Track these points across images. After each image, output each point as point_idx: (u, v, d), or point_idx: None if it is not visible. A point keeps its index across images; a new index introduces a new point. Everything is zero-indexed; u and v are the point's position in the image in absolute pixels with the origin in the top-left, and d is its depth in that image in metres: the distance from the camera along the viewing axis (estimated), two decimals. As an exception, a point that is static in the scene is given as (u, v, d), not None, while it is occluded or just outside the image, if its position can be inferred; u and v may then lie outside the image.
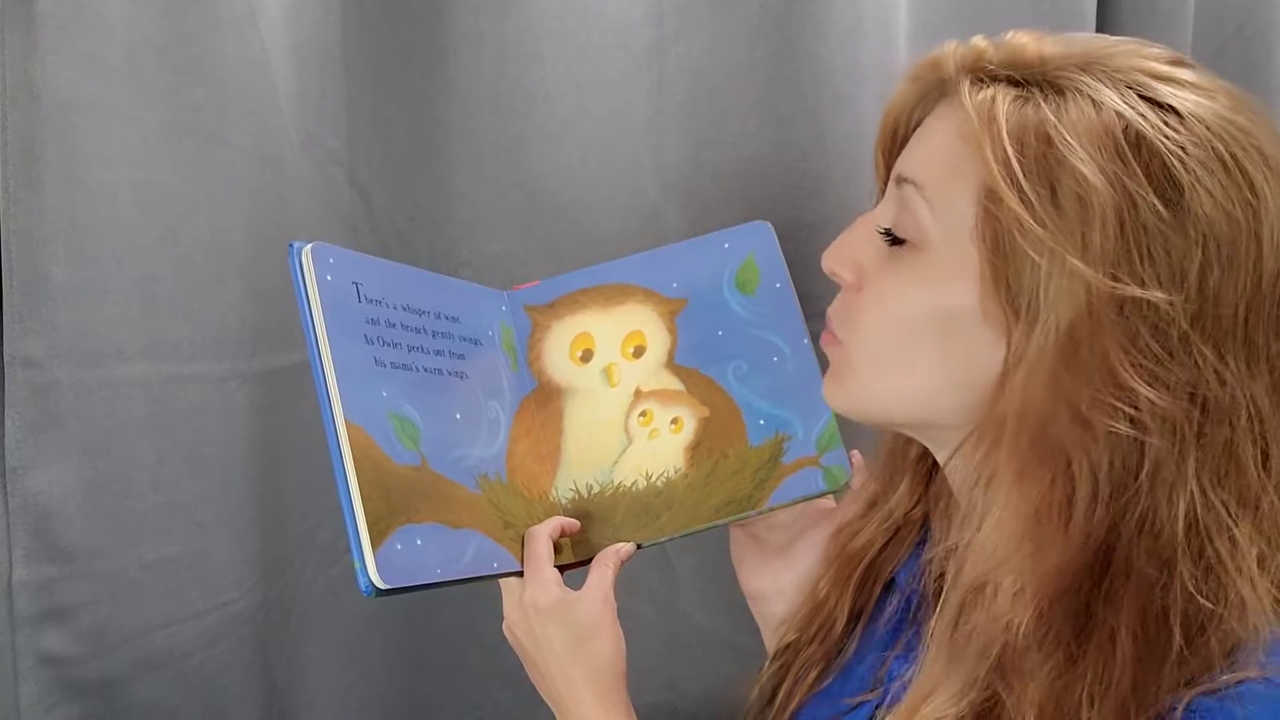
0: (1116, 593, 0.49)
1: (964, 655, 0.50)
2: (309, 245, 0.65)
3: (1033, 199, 0.48)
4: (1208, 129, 0.49)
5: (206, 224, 0.77)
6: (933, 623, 0.53)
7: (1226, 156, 0.49)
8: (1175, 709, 0.47)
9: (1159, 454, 0.48)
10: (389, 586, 0.60)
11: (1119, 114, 0.49)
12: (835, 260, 0.59)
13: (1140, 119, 0.49)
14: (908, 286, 0.54)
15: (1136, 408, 0.48)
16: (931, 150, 0.55)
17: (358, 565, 0.60)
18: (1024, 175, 0.48)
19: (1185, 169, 0.48)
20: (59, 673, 0.73)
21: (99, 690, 0.75)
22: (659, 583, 0.94)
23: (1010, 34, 0.55)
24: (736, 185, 0.92)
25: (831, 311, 0.61)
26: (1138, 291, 0.47)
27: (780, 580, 0.73)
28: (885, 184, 0.60)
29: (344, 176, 0.85)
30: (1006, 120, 0.50)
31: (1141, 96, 0.50)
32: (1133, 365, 0.48)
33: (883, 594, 0.67)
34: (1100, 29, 1.03)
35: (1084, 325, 0.48)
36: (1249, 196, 0.49)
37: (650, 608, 0.94)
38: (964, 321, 0.52)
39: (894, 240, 0.55)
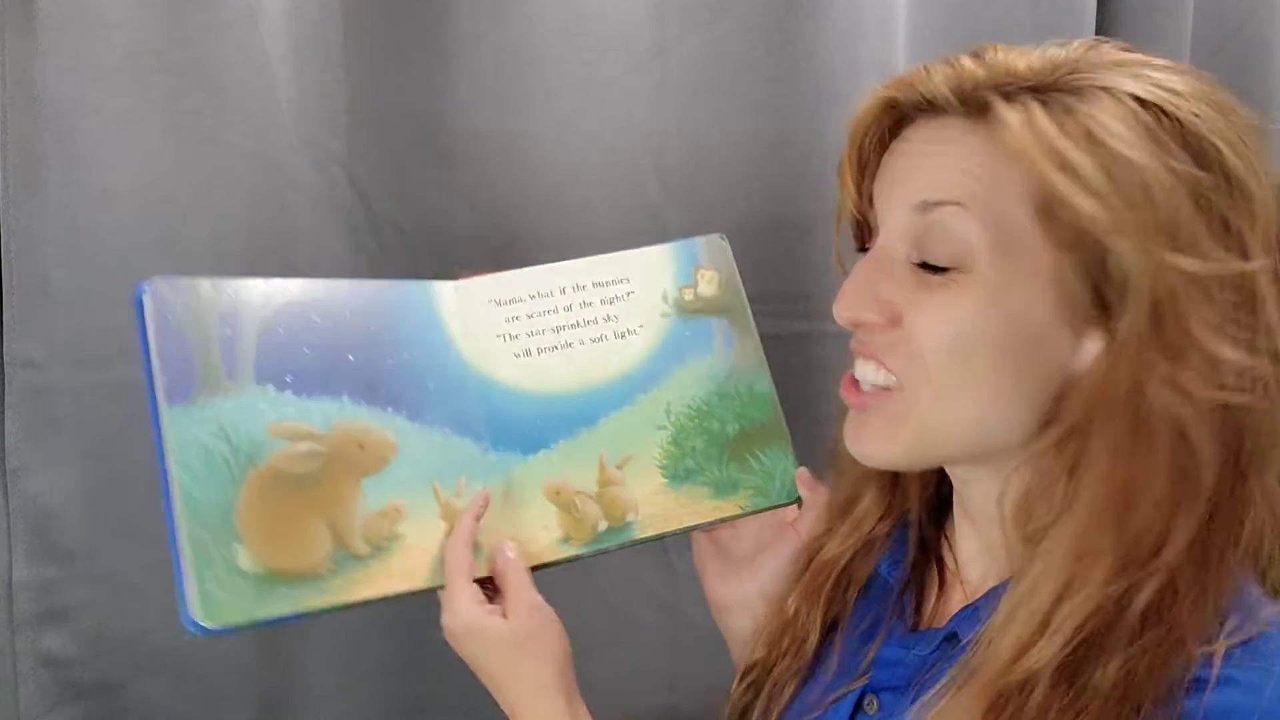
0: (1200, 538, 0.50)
1: (1061, 627, 0.50)
2: (152, 286, 0.61)
3: (1102, 196, 0.49)
4: (1200, 99, 0.51)
5: (207, 226, 0.77)
6: (1013, 593, 0.52)
7: (1224, 120, 0.51)
8: (1209, 665, 0.48)
9: (1257, 415, 0.50)
10: (217, 627, 0.59)
11: (1140, 99, 0.50)
12: (852, 308, 0.56)
13: (1161, 101, 0.51)
14: (966, 309, 0.52)
15: (1228, 374, 0.49)
16: (965, 170, 0.53)
17: (180, 605, 0.59)
18: (1087, 176, 0.49)
19: (1211, 137, 0.50)
20: (59, 673, 0.73)
21: (98, 691, 0.75)
22: (659, 583, 0.94)
23: (991, 52, 0.54)
24: (737, 186, 0.92)
25: (873, 351, 0.56)
26: (1214, 265, 0.49)
27: (745, 592, 0.72)
28: (857, 203, 0.58)
29: (344, 178, 0.85)
30: (1052, 128, 0.50)
31: (1149, 82, 0.51)
32: (1217, 333, 0.49)
33: (860, 596, 0.66)
34: (1099, 29, 1.03)
35: (1169, 304, 0.49)
36: (1254, 151, 0.51)
37: (651, 608, 0.93)
38: (1036, 329, 0.52)
39: (931, 269, 0.53)
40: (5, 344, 0.71)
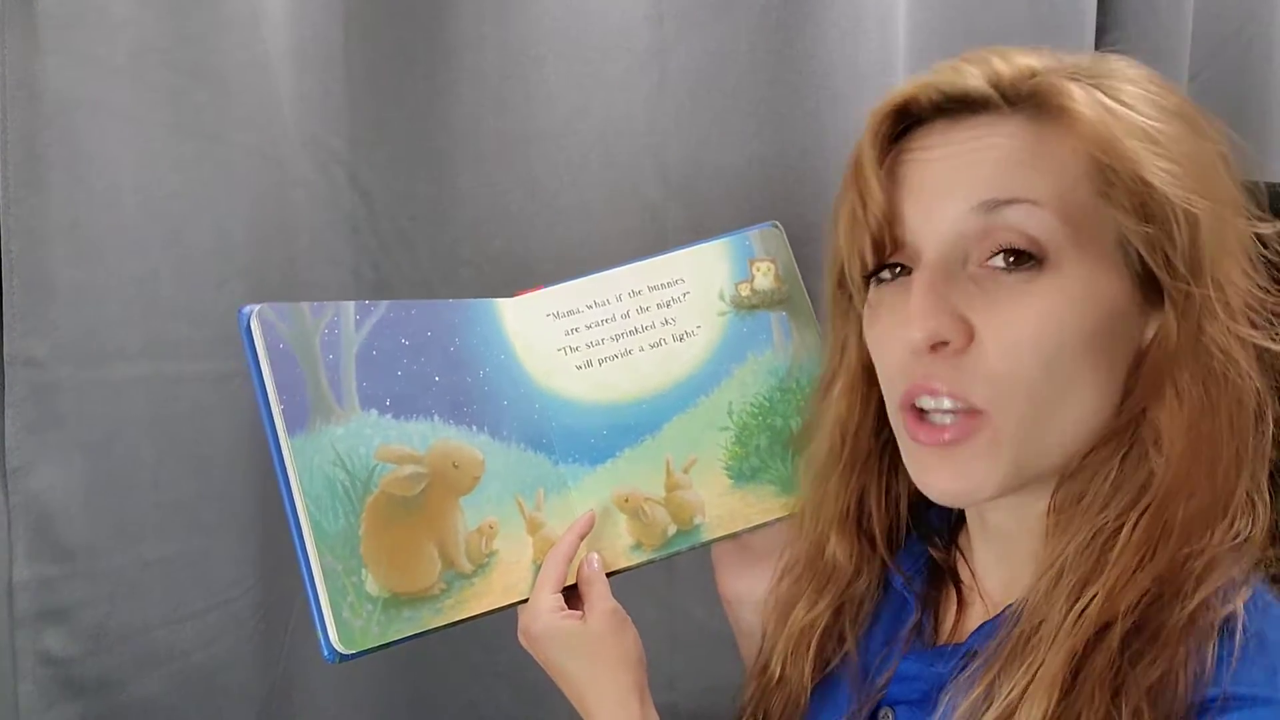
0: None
1: (1157, 558, 0.50)
2: (258, 311, 0.63)
3: (1179, 162, 0.50)
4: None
5: (208, 224, 0.77)
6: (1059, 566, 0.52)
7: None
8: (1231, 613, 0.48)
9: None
10: (352, 652, 0.61)
11: (1157, 85, 0.53)
12: (929, 327, 0.50)
13: (1167, 85, 0.53)
14: (1059, 308, 0.50)
15: (1263, 315, 0.51)
16: (1027, 163, 0.51)
17: (320, 635, 0.61)
18: (1164, 144, 0.50)
19: (1207, 116, 0.53)
20: (59, 671, 0.73)
21: (98, 689, 0.75)
22: (660, 581, 0.94)
23: (1004, 52, 0.54)
24: (737, 185, 0.92)
25: (946, 384, 0.52)
26: (1263, 225, 0.52)
27: (756, 589, 0.72)
28: (884, 211, 0.53)
29: (346, 177, 0.85)
30: (1117, 103, 0.51)
31: (1145, 75, 0.54)
32: (1248, 279, 0.52)
33: (873, 616, 0.65)
34: (1099, 29, 1.03)
35: (1224, 259, 0.51)
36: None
37: (651, 606, 0.93)
38: (1118, 314, 0.51)
39: (1005, 273, 0.51)
40: (6, 342, 0.71)
